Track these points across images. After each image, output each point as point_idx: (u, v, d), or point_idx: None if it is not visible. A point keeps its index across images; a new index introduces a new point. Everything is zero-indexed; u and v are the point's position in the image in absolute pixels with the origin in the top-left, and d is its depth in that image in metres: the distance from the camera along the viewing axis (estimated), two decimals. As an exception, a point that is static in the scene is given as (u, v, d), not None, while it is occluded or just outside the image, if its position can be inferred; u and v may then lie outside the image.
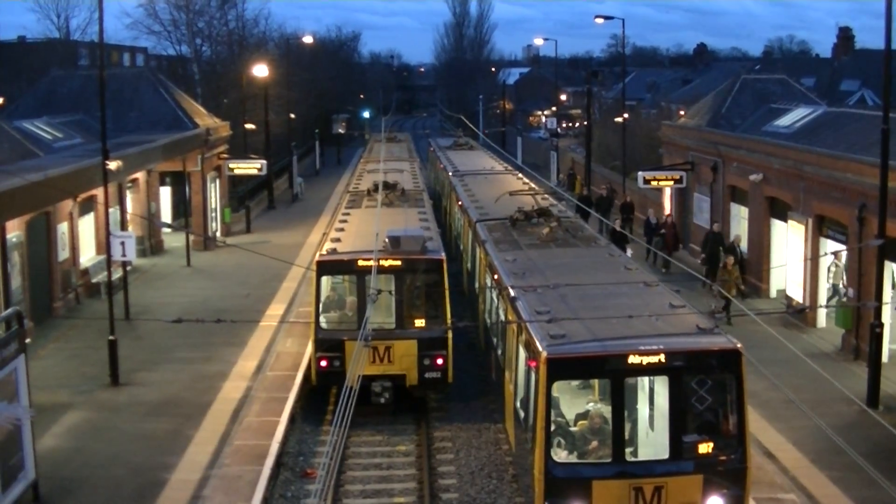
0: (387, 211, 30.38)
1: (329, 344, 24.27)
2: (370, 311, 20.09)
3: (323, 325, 24.79)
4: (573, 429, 17.79)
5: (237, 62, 71.53)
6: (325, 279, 25.06)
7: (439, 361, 24.31)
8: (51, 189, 29.53)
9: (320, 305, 24.82)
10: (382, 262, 23.57)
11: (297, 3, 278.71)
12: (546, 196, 33.06)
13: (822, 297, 31.36)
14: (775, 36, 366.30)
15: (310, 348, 25.67)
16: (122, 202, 39.55)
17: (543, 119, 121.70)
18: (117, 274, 33.25)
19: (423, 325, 24.44)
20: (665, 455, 16.59)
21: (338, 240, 26.14)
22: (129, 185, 42.72)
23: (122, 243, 29.01)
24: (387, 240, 24.71)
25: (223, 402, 24.90)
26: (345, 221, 29.12)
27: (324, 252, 25.31)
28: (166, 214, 50.08)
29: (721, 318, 27.43)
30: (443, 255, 25.07)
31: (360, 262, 23.96)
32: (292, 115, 77.06)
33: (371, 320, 20.51)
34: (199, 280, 40.09)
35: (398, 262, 24.26)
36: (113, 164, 29.21)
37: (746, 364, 16.68)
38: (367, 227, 27.13)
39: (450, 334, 24.34)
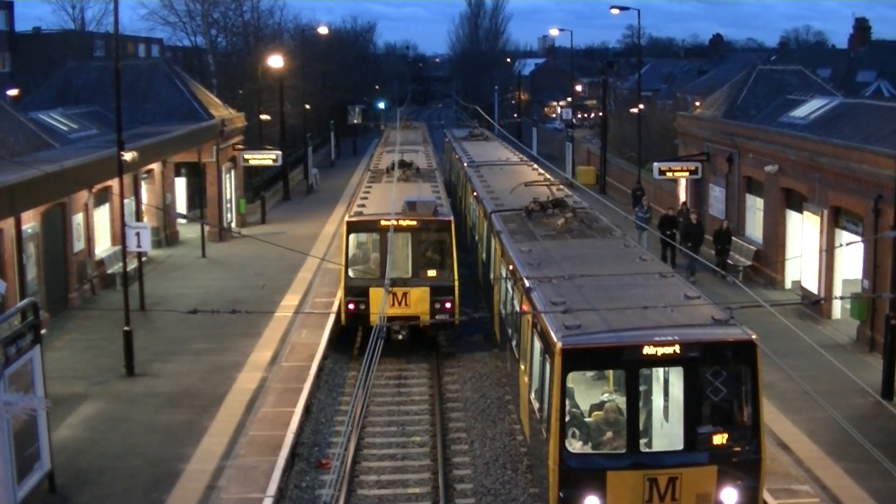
0: (403, 184, 34.65)
1: (356, 290, 28.89)
2: (390, 264, 25.93)
3: (351, 274, 29.23)
4: (588, 419, 17.78)
5: (252, 53, 71.36)
6: (352, 236, 29.56)
7: (448, 305, 28.65)
8: (66, 180, 29.59)
9: (349, 259, 29.19)
10: (400, 223, 28.50)
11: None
12: (561, 187, 33.05)
13: (838, 288, 31.24)
14: (791, 26, 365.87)
15: (339, 294, 30.02)
16: (137, 193, 39.61)
17: (559, 110, 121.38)
18: (132, 265, 33.39)
19: (435, 275, 28.87)
20: (679, 446, 16.59)
21: (363, 205, 31.04)
22: (145, 175, 42.79)
23: (138, 234, 29.07)
24: (404, 204, 29.23)
25: (238, 393, 24.97)
26: (368, 191, 33.92)
27: (352, 214, 29.96)
28: (181, 205, 50.06)
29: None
30: (451, 217, 29.49)
31: (383, 223, 28.69)
32: (307, 106, 77.04)
33: (390, 271, 26.50)
34: (215, 271, 40.16)
35: (414, 223, 28.92)
36: (128, 155, 29.26)
37: (761, 355, 16.65)
38: (387, 195, 31.70)
39: (457, 283, 28.74)
